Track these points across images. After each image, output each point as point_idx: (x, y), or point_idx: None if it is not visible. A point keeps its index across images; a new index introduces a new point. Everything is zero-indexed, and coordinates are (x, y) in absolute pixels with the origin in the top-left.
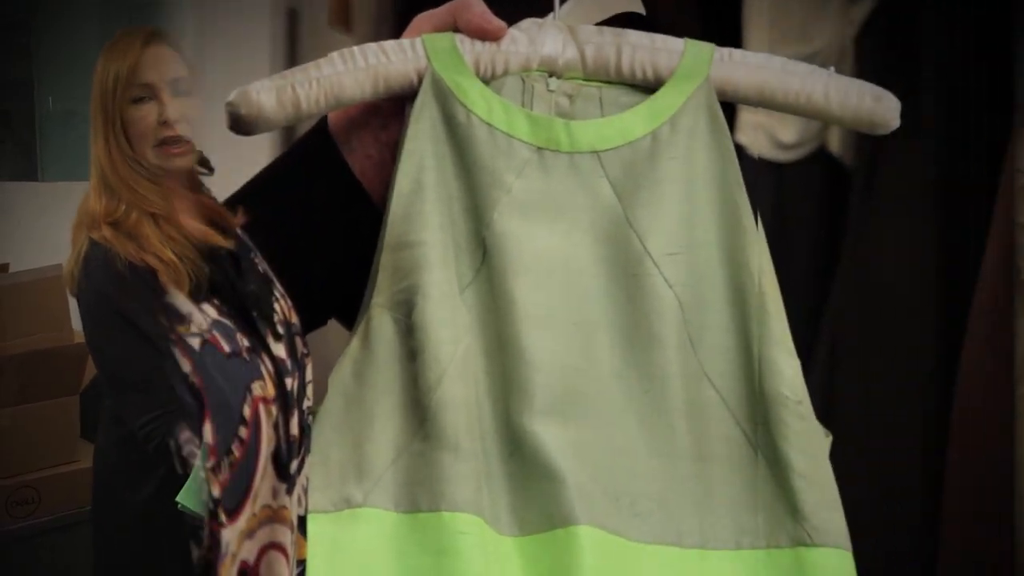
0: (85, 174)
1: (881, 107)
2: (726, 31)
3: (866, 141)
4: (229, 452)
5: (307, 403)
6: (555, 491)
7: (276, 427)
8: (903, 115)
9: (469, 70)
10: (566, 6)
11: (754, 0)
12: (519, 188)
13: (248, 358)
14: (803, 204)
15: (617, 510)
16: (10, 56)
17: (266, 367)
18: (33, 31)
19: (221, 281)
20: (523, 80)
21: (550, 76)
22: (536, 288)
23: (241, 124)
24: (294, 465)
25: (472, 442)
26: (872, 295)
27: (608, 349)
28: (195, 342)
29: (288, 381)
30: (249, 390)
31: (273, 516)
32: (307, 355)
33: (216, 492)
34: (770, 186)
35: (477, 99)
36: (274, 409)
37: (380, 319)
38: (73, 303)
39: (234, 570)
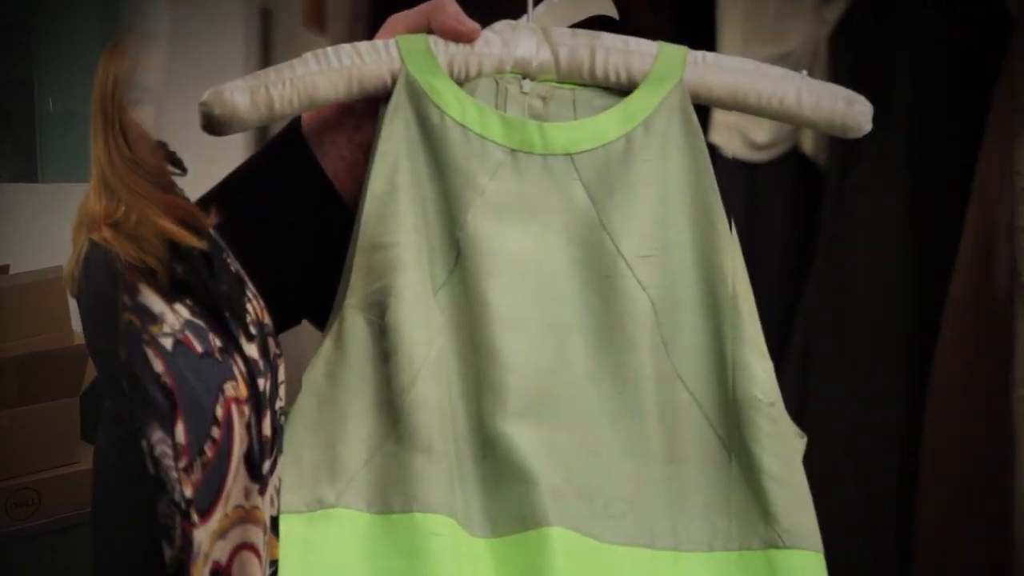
0: (85, 175)
1: (853, 111)
2: (700, 32)
3: (839, 142)
4: (201, 452)
5: (279, 404)
6: (528, 493)
7: (248, 427)
8: (876, 116)
9: (443, 72)
10: (539, 8)
11: (727, 1)
12: (493, 190)
13: (220, 358)
14: (776, 204)
15: (590, 512)
16: (10, 56)
17: (238, 367)
18: (33, 31)
19: (193, 281)
20: (497, 82)
21: (524, 78)
22: (509, 290)
23: (214, 124)
24: (266, 465)
25: (445, 443)
26: (845, 296)
27: (581, 351)
28: (167, 342)
29: (260, 381)
30: (221, 390)
31: (245, 516)
32: (280, 356)
33: (188, 492)
34: (743, 186)
35: (451, 101)
36: (246, 409)
37: (353, 320)
38: (73, 304)
39: (206, 570)
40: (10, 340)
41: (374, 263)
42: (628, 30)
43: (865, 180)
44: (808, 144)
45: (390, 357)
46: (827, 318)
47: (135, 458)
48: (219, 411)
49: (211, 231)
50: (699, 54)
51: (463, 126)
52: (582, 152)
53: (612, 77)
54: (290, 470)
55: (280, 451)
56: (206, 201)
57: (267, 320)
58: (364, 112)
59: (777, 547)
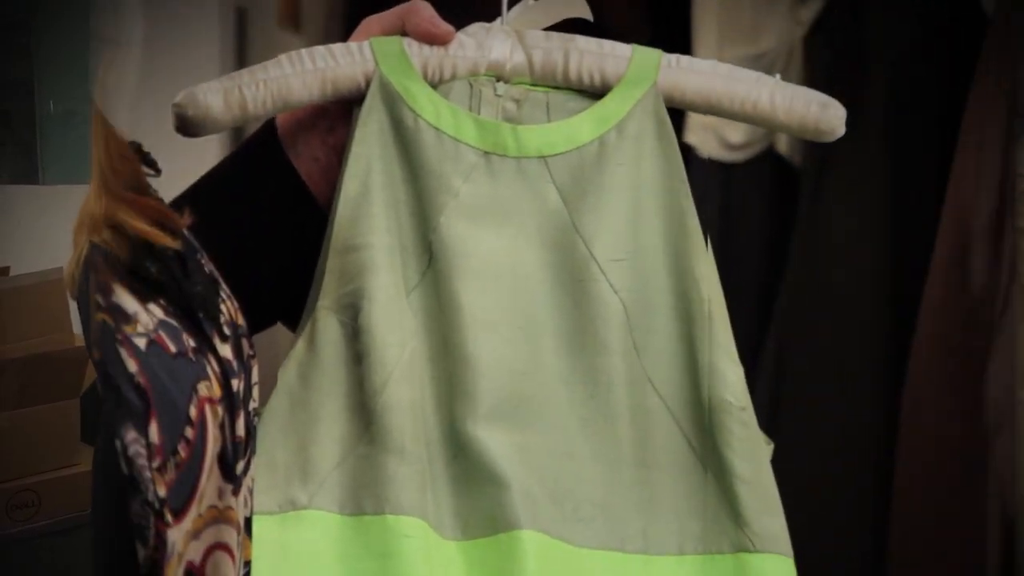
0: (86, 175)
1: (827, 115)
2: (676, 32)
3: (814, 143)
4: (175, 452)
5: (253, 404)
6: (499, 495)
7: (222, 428)
8: (852, 116)
9: (417, 74)
10: (514, 11)
11: (703, 2)
12: (466, 192)
13: (194, 358)
14: (751, 204)
15: (561, 515)
16: (10, 56)
17: (212, 368)
18: (33, 31)
19: (167, 281)
20: (471, 84)
21: (498, 81)
22: (482, 292)
23: (188, 125)
24: (240, 466)
25: (417, 446)
26: (821, 296)
27: (553, 354)
28: (141, 342)
29: (234, 382)
30: (195, 390)
31: (219, 517)
32: (253, 356)
33: (162, 492)
34: (718, 186)
35: (425, 103)
36: (220, 410)
37: (326, 321)
38: (74, 306)
39: (180, 570)
40: (10, 342)
41: (347, 265)
42: (603, 31)
43: (841, 180)
44: (783, 144)
45: (363, 359)
46: (802, 318)
47: None
48: (193, 411)
49: (185, 232)
50: (673, 57)
51: (437, 129)
52: (555, 155)
53: (586, 80)
54: (263, 471)
55: (254, 452)
56: (180, 202)
57: (241, 321)
58: (338, 114)
59: (748, 551)
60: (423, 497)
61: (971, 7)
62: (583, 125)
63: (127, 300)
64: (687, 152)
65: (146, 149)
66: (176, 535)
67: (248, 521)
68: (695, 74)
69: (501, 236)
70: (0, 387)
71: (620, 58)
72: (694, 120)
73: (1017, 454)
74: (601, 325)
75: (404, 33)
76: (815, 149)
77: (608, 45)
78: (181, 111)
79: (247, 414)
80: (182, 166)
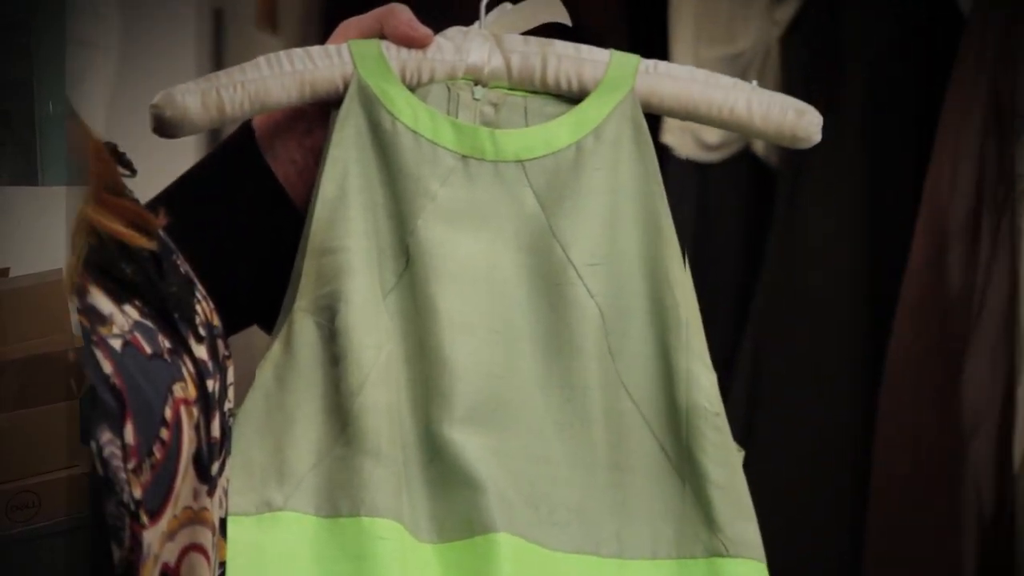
0: (86, 177)
1: (803, 121)
2: (653, 33)
3: None
4: (150, 453)
5: (228, 405)
6: (475, 498)
7: (197, 429)
8: (828, 116)
9: (395, 77)
10: (492, 15)
11: (680, 2)
12: (444, 196)
13: (170, 360)
14: (728, 204)
15: (537, 519)
16: (10, 56)
17: (187, 369)
18: (33, 31)
19: (142, 282)
20: (449, 88)
21: (476, 85)
22: (459, 296)
23: (165, 127)
24: (215, 467)
25: (393, 448)
26: (797, 295)
27: (530, 358)
28: (116, 343)
29: (210, 383)
30: (170, 391)
31: (194, 518)
32: (229, 357)
33: (138, 493)
34: (695, 187)
35: (403, 106)
36: (195, 411)
37: (302, 323)
38: (74, 307)
39: (156, 572)
40: (10, 343)
41: (324, 267)
42: (581, 32)
43: (817, 180)
44: (760, 145)
45: (339, 361)
46: (779, 318)
47: None
48: (168, 412)
49: (160, 232)
50: (651, 63)
51: (415, 132)
52: (533, 159)
53: (564, 85)
54: (239, 472)
55: (229, 452)
56: (157, 203)
57: (216, 322)
58: (315, 116)
59: (721, 555)
60: (399, 499)
61: (948, 7)
62: (561, 130)
63: (102, 301)
64: (664, 152)
65: (122, 150)
66: (151, 536)
67: (223, 522)
68: (672, 80)
69: (478, 240)
70: (0, 388)
71: (598, 63)
72: (671, 120)
73: (1017, 456)
74: (577, 329)
75: (382, 36)
76: (792, 150)
77: (586, 50)
78: (159, 112)
79: (222, 415)
80: (158, 167)
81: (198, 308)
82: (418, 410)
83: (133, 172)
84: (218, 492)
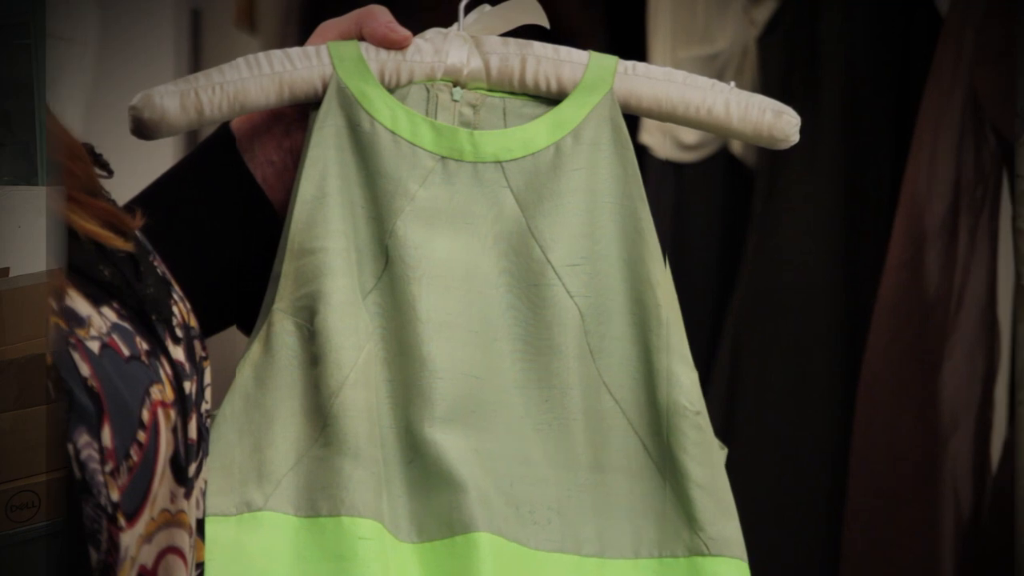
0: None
1: (781, 122)
2: (631, 33)
3: None
4: (128, 456)
5: (205, 406)
6: (455, 498)
7: (175, 431)
8: (806, 117)
9: (374, 78)
10: (471, 16)
11: (658, 3)
12: (423, 197)
13: (147, 362)
14: (705, 204)
15: (517, 518)
16: (10, 56)
17: (165, 371)
18: (33, 31)
19: (120, 284)
20: (427, 89)
21: (454, 86)
22: (438, 296)
23: (143, 128)
24: (192, 469)
25: (373, 448)
26: (774, 296)
27: (509, 358)
28: (94, 346)
29: (187, 385)
30: (148, 394)
31: (171, 520)
32: (206, 358)
33: (115, 496)
34: (672, 186)
35: (382, 107)
36: (172, 413)
37: (282, 324)
38: None
39: (133, 574)
40: (10, 343)
41: (303, 268)
42: (559, 32)
43: (794, 180)
44: (736, 145)
45: (318, 361)
46: (757, 318)
47: None
48: (145, 415)
49: (137, 233)
50: (629, 64)
51: (394, 133)
52: (512, 160)
53: (542, 86)
54: (218, 473)
55: (206, 454)
56: (134, 204)
57: (193, 323)
58: (294, 117)
59: (702, 554)
60: (379, 499)
61: (925, 7)
62: (539, 131)
63: (80, 303)
64: (642, 153)
65: (99, 151)
66: (129, 539)
67: (200, 523)
68: (650, 81)
69: (457, 240)
70: (0, 387)
71: (576, 64)
72: (649, 121)
73: (1017, 456)
74: (557, 329)
75: (361, 37)
76: (769, 150)
77: (564, 51)
78: (137, 114)
79: (199, 416)
80: (135, 167)
81: (175, 309)
82: (398, 410)
83: (110, 173)
84: (195, 494)
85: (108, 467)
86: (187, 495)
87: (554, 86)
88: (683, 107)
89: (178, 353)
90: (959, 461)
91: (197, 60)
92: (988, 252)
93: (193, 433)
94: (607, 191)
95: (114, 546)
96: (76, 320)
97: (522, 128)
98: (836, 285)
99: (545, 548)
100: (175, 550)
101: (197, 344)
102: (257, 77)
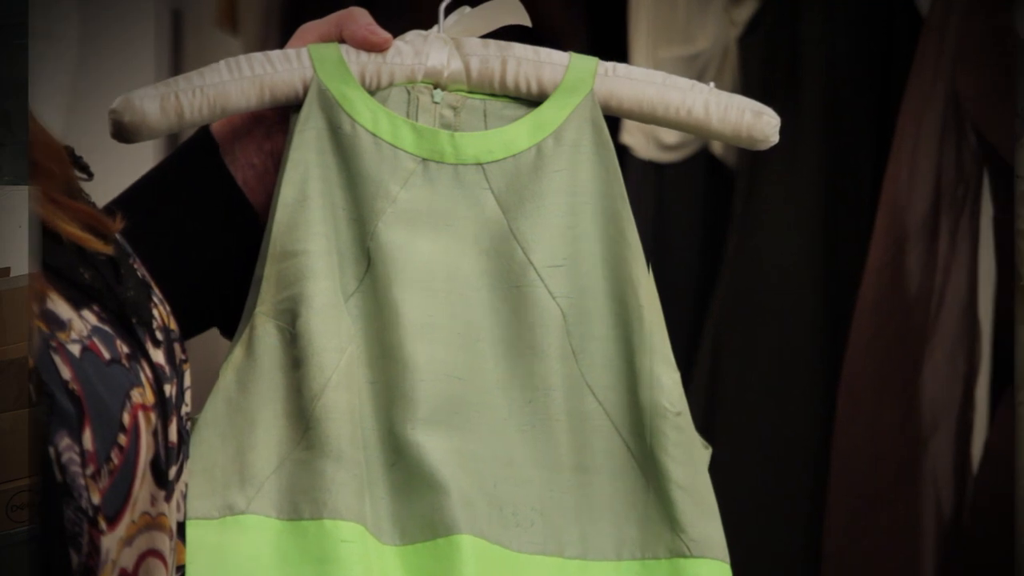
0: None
1: (760, 123)
2: (612, 33)
3: None
4: (108, 459)
5: (186, 409)
6: (438, 500)
7: (155, 434)
8: (787, 117)
9: (355, 81)
10: (451, 18)
11: (639, 3)
12: (404, 199)
13: (128, 365)
14: (686, 204)
15: (500, 520)
16: (9, 57)
17: (145, 374)
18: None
19: (100, 287)
20: (408, 91)
21: (435, 88)
22: (420, 298)
23: (124, 132)
24: (172, 471)
25: (355, 450)
26: (755, 296)
27: (492, 359)
28: (75, 349)
29: (167, 388)
30: (128, 397)
31: (152, 523)
32: (186, 361)
33: (96, 499)
34: (652, 187)
35: (362, 110)
36: (153, 416)
37: (264, 327)
38: None
39: None
40: (10, 343)
41: (285, 271)
42: (540, 32)
43: (775, 180)
44: (717, 145)
45: (301, 364)
46: (738, 318)
47: None
48: (126, 418)
49: (117, 236)
50: (609, 65)
51: (374, 135)
52: (493, 162)
53: (523, 88)
54: (200, 476)
55: (186, 457)
56: (114, 206)
57: (173, 325)
58: (275, 120)
59: (684, 556)
60: (361, 502)
61: (906, 7)
62: (520, 132)
63: (61, 307)
64: (623, 153)
65: (79, 153)
66: (109, 542)
67: (180, 526)
68: (630, 82)
69: (438, 242)
70: (0, 387)
71: (557, 66)
72: (630, 121)
73: (1018, 457)
74: (539, 330)
75: (342, 40)
76: (750, 150)
77: (545, 53)
78: (117, 117)
79: (180, 419)
80: (116, 168)
81: (155, 312)
82: (380, 412)
83: (90, 175)
84: (175, 497)
85: (89, 470)
86: (167, 498)
87: (534, 88)
88: (663, 108)
89: (158, 356)
90: (940, 461)
91: (178, 60)
92: (969, 252)
93: (173, 436)
94: (588, 192)
95: (95, 549)
96: (57, 323)
97: (503, 130)
98: (817, 285)
99: (528, 550)
100: (155, 553)
101: (177, 347)
102: (237, 80)
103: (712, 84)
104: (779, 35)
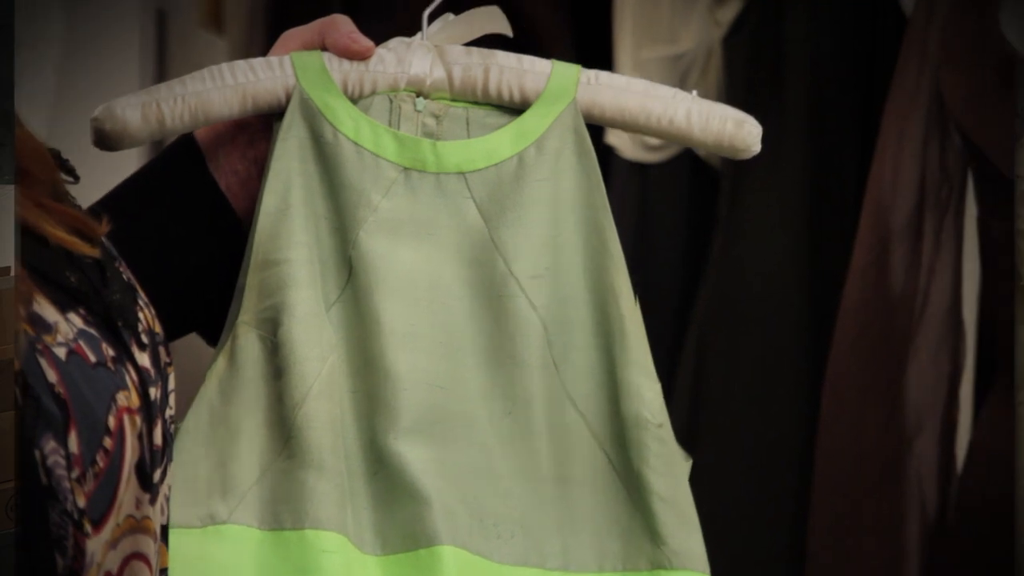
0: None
1: (742, 132)
2: (596, 33)
3: None
4: (94, 463)
5: (170, 412)
6: (419, 511)
7: (140, 437)
8: (771, 117)
9: (337, 89)
10: (434, 25)
11: (623, 3)
12: (385, 208)
13: (113, 368)
14: (670, 205)
15: (481, 532)
16: (9, 56)
17: (130, 377)
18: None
19: (87, 290)
20: (391, 100)
21: (418, 96)
22: (402, 308)
23: (105, 139)
24: (157, 474)
25: (337, 460)
26: (740, 297)
27: (473, 370)
28: (61, 352)
29: (152, 391)
30: (114, 400)
31: (136, 526)
32: (170, 364)
33: (81, 502)
34: (637, 187)
35: (345, 118)
36: (138, 419)
37: (246, 337)
38: None
39: None
40: (9, 342)
41: (267, 280)
42: (527, 31)
43: (760, 181)
44: None
45: (282, 373)
46: (722, 319)
47: None
48: (111, 421)
49: (103, 239)
50: (592, 73)
51: (356, 144)
52: (475, 171)
53: (505, 96)
54: (182, 485)
55: (170, 459)
56: (97, 208)
57: (158, 328)
58: (258, 127)
59: (665, 568)
60: (342, 512)
61: (891, 7)
62: (502, 141)
63: (47, 310)
64: (608, 153)
65: (65, 156)
66: (95, 546)
67: (164, 529)
68: (613, 90)
69: (420, 251)
70: (0, 388)
71: (539, 74)
72: None
73: (1018, 458)
74: (520, 341)
75: (324, 47)
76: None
77: (528, 61)
78: (99, 125)
79: (164, 422)
80: (102, 172)
81: (140, 315)
82: (362, 422)
83: (76, 178)
84: (159, 500)
85: (74, 473)
86: (152, 501)
87: (517, 96)
88: (644, 117)
89: (144, 359)
90: (924, 461)
91: (163, 61)
92: (953, 252)
93: (158, 439)
94: (570, 202)
95: (80, 552)
96: (43, 326)
97: (485, 139)
98: (802, 285)
99: (509, 562)
100: (140, 556)
101: (162, 350)
102: (220, 88)
103: (695, 92)
104: (763, 35)
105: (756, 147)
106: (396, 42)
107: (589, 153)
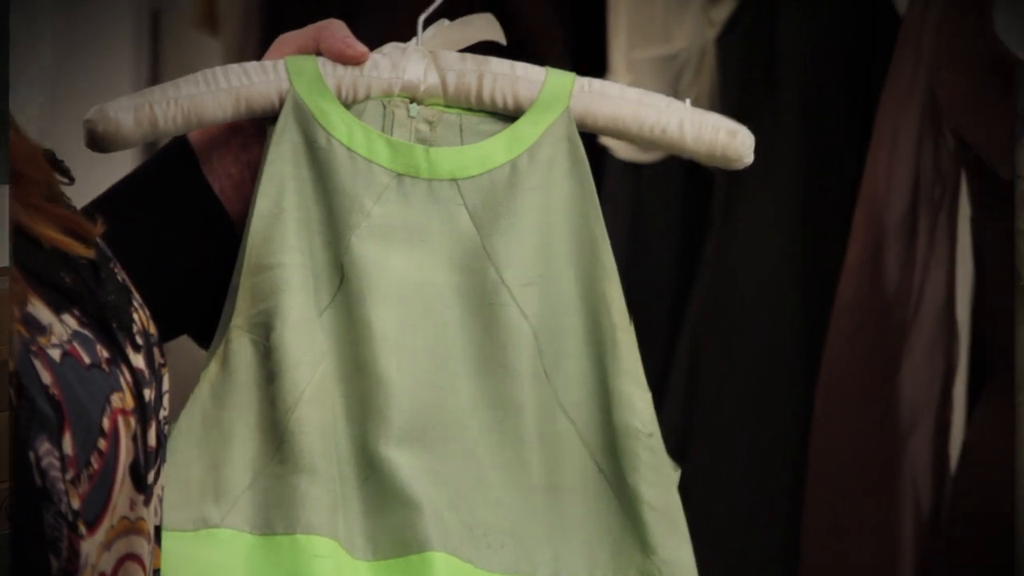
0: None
1: (735, 142)
2: (590, 32)
3: None
4: (88, 464)
5: (164, 413)
6: (410, 517)
7: (134, 438)
8: (765, 117)
9: (331, 94)
10: (429, 31)
11: (617, 3)
12: (378, 213)
13: (107, 370)
14: (664, 205)
15: (472, 540)
16: (8, 56)
17: (125, 378)
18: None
19: (81, 291)
20: (384, 105)
21: (411, 102)
22: (393, 314)
23: (98, 141)
24: (151, 476)
25: (328, 465)
26: (733, 298)
27: (464, 377)
28: (55, 353)
29: (146, 392)
30: (108, 402)
31: (130, 528)
32: (164, 365)
33: (76, 504)
34: (630, 188)
35: (338, 123)
36: (133, 420)
37: (239, 341)
38: None
39: None
40: (4, 344)
41: (259, 284)
42: (523, 31)
43: (754, 181)
44: None
45: (275, 378)
46: (716, 319)
47: None
48: (106, 423)
49: (98, 240)
50: (586, 81)
51: (350, 149)
52: (468, 178)
53: (499, 103)
54: (175, 488)
55: (164, 460)
56: (91, 209)
57: (152, 329)
58: (252, 131)
59: None
60: (334, 517)
61: (885, 6)
62: (495, 148)
63: (42, 311)
64: (602, 153)
65: (59, 157)
66: (89, 547)
67: (158, 530)
68: (606, 99)
69: (412, 258)
70: (0, 387)
71: (533, 82)
72: None
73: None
74: (511, 350)
75: (319, 52)
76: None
77: (522, 68)
78: (91, 127)
79: (158, 423)
80: (96, 172)
81: (135, 316)
82: (353, 427)
83: (71, 179)
84: (153, 501)
85: (69, 475)
86: (146, 502)
87: (510, 103)
88: (637, 127)
89: (138, 360)
90: (919, 459)
91: (157, 61)
92: (947, 251)
93: (152, 440)
94: (562, 210)
95: (74, 554)
96: (37, 327)
97: (478, 145)
98: (796, 283)
99: (499, 570)
100: (134, 557)
101: (156, 351)
102: (213, 91)
103: (688, 101)
104: (757, 34)
105: (749, 158)
106: (391, 47)
107: (582, 161)
